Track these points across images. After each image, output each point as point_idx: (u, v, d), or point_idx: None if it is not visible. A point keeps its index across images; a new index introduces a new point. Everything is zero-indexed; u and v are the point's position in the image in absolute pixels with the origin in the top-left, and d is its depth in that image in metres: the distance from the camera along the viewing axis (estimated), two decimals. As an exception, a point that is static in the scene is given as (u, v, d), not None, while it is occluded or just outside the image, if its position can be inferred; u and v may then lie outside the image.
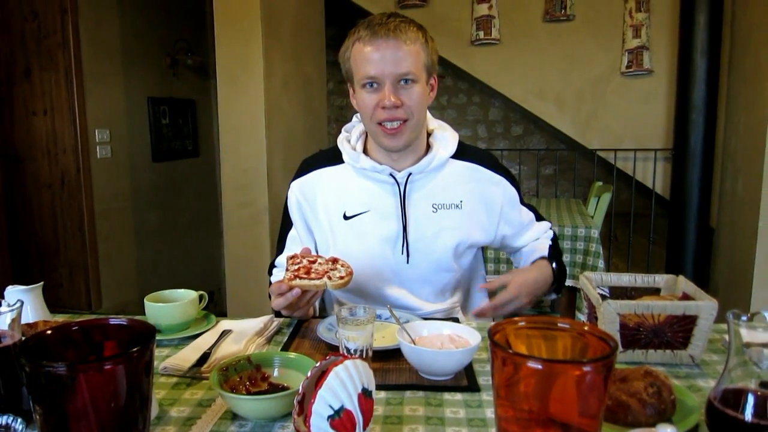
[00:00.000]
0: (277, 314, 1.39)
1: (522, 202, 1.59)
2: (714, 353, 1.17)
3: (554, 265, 1.50)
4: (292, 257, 1.27)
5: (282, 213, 1.62)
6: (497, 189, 1.53)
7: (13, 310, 0.81)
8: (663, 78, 4.41)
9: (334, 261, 1.26)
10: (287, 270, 1.23)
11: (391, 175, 1.46)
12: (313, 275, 1.20)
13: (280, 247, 1.59)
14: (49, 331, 0.75)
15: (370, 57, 1.33)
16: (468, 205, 1.49)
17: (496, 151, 5.24)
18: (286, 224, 1.59)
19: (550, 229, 1.65)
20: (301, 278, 1.19)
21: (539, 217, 1.64)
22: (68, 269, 3.89)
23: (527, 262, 1.57)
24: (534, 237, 1.61)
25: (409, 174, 1.46)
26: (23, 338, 0.81)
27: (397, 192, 1.47)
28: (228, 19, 3.37)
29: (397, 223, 1.47)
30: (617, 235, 4.85)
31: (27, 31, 3.69)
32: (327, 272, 1.21)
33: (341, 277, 1.20)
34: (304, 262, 1.25)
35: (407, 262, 1.48)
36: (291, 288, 1.20)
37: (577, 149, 4.86)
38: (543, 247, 1.57)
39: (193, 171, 5.00)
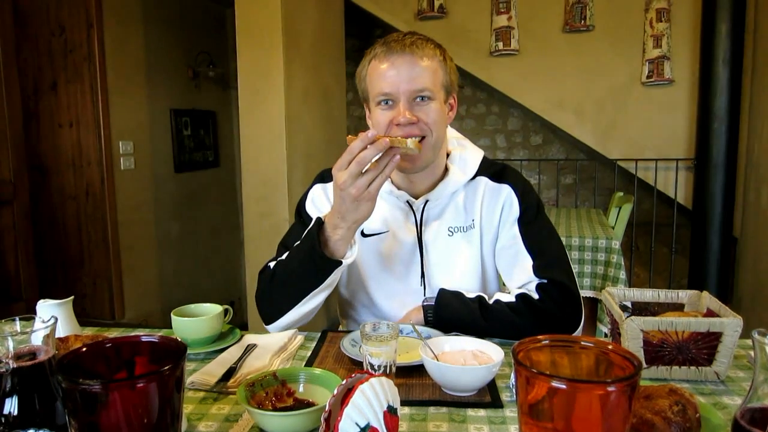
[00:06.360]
0: (300, 329, 1.40)
1: (522, 226, 1.43)
2: (740, 369, 1.16)
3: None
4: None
5: (294, 215, 1.54)
6: (499, 199, 1.44)
7: (47, 327, 0.83)
8: (684, 87, 4.38)
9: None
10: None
11: (407, 202, 1.44)
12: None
13: (281, 251, 1.45)
14: (83, 349, 0.78)
15: (385, 73, 1.29)
16: (479, 222, 1.45)
17: (515, 161, 5.23)
18: (297, 224, 1.49)
19: (540, 280, 1.36)
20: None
21: (539, 256, 1.40)
22: (92, 279, 3.95)
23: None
24: (511, 277, 1.44)
25: (426, 201, 1.43)
26: (57, 353, 0.83)
27: (413, 219, 1.45)
28: (249, 32, 3.41)
29: (413, 249, 1.45)
30: (639, 245, 4.81)
31: (54, 45, 3.76)
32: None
33: (417, 144, 1.22)
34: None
35: (424, 294, 1.45)
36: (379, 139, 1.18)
37: (597, 159, 4.84)
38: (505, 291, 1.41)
39: (214, 181, 5.05)
